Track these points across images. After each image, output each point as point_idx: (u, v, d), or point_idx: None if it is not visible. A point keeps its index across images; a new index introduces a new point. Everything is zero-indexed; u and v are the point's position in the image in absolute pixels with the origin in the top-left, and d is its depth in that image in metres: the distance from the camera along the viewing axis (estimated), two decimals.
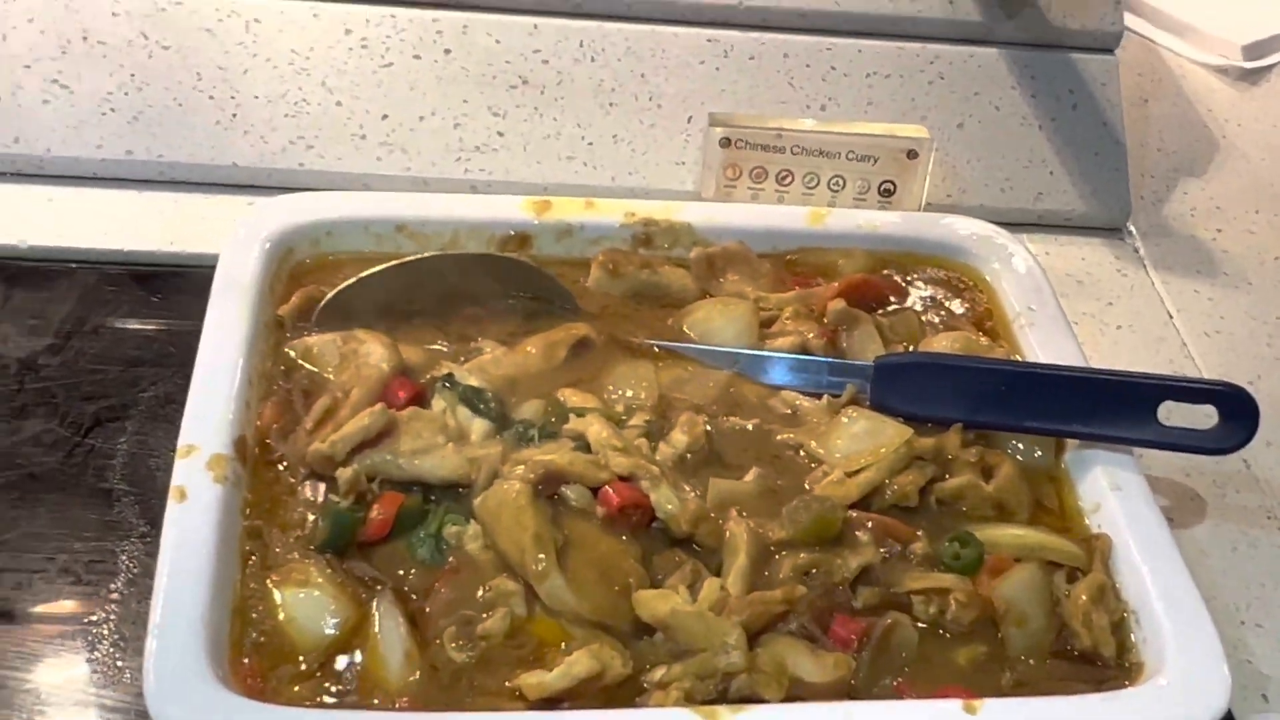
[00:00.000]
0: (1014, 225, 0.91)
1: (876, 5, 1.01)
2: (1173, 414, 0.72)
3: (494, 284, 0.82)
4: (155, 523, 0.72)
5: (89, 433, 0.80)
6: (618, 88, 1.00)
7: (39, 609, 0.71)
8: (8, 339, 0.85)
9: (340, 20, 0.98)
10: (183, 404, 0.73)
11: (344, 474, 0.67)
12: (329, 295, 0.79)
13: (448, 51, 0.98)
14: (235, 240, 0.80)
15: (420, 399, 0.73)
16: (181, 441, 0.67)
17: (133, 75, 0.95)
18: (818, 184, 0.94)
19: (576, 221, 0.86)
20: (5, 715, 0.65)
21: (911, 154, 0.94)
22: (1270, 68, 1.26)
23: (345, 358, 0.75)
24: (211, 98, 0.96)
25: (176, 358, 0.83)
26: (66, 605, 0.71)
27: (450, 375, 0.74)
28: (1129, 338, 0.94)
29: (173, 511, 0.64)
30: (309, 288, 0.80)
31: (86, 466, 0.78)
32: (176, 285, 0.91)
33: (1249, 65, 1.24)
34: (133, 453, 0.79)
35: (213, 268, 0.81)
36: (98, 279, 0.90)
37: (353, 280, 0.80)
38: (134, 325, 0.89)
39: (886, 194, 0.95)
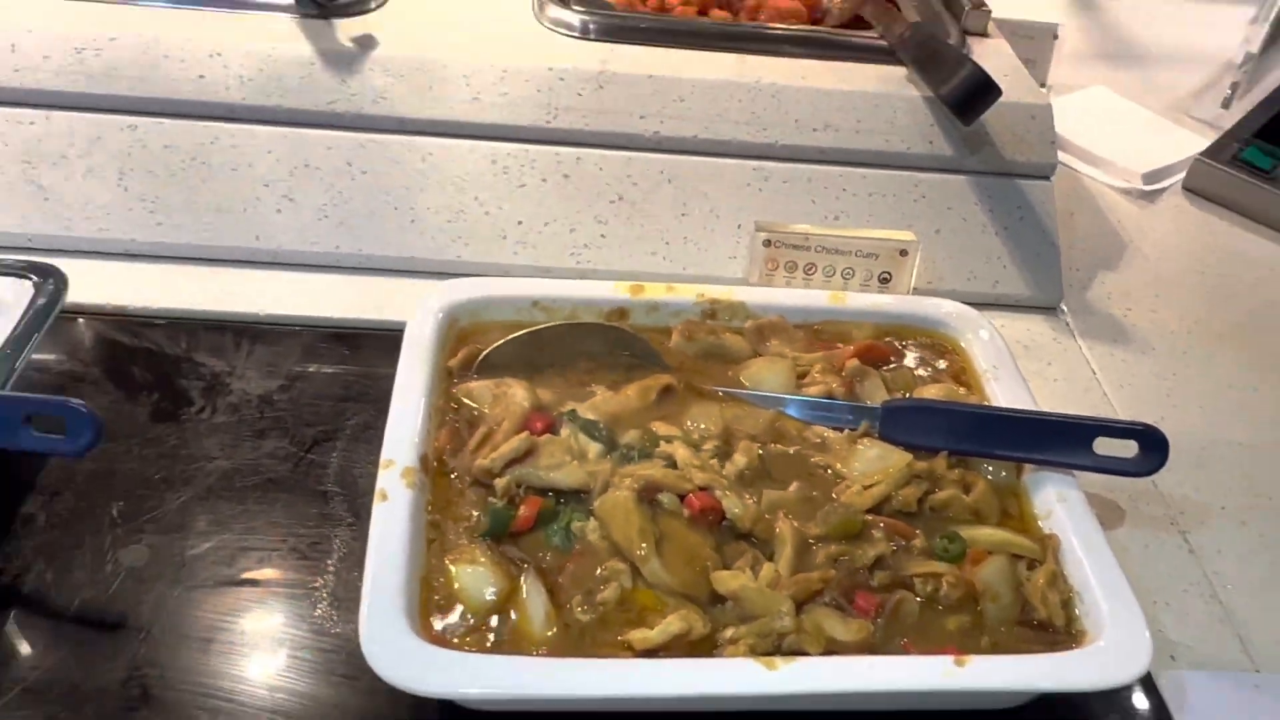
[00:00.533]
0: (979, 305, 0.92)
1: (876, 143, 1.02)
2: (1103, 446, 0.73)
3: (602, 345, 0.83)
4: (359, 516, 0.75)
5: (310, 449, 0.82)
6: (688, 202, 1.01)
7: (277, 576, 0.72)
8: (251, 380, 0.87)
9: (488, 154, 0.99)
10: (377, 430, 0.75)
11: (500, 483, 0.69)
12: (484, 352, 0.81)
13: (566, 176, 1.00)
14: (418, 312, 0.82)
15: (551, 428, 0.74)
16: (383, 457, 0.69)
17: (340, 192, 0.98)
18: (834, 274, 0.96)
19: (660, 300, 0.87)
20: (254, 653, 0.68)
21: (903, 252, 0.95)
22: (1162, 190, 1.27)
23: (497, 398, 0.77)
24: (396, 208, 0.98)
25: (371, 396, 0.85)
26: (296, 575, 0.72)
27: (574, 411, 0.76)
28: (1064, 389, 0.95)
29: (377, 508, 0.66)
30: (470, 347, 0.82)
31: (308, 474, 0.80)
32: (371, 344, 0.92)
33: (1147, 188, 1.26)
34: (341, 465, 0.81)
35: (396, 331, 0.83)
36: (314, 338, 0.92)
37: (501, 342, 0.81)
38: (340, 372, 0.90)
39: (884, 281, 0.96)
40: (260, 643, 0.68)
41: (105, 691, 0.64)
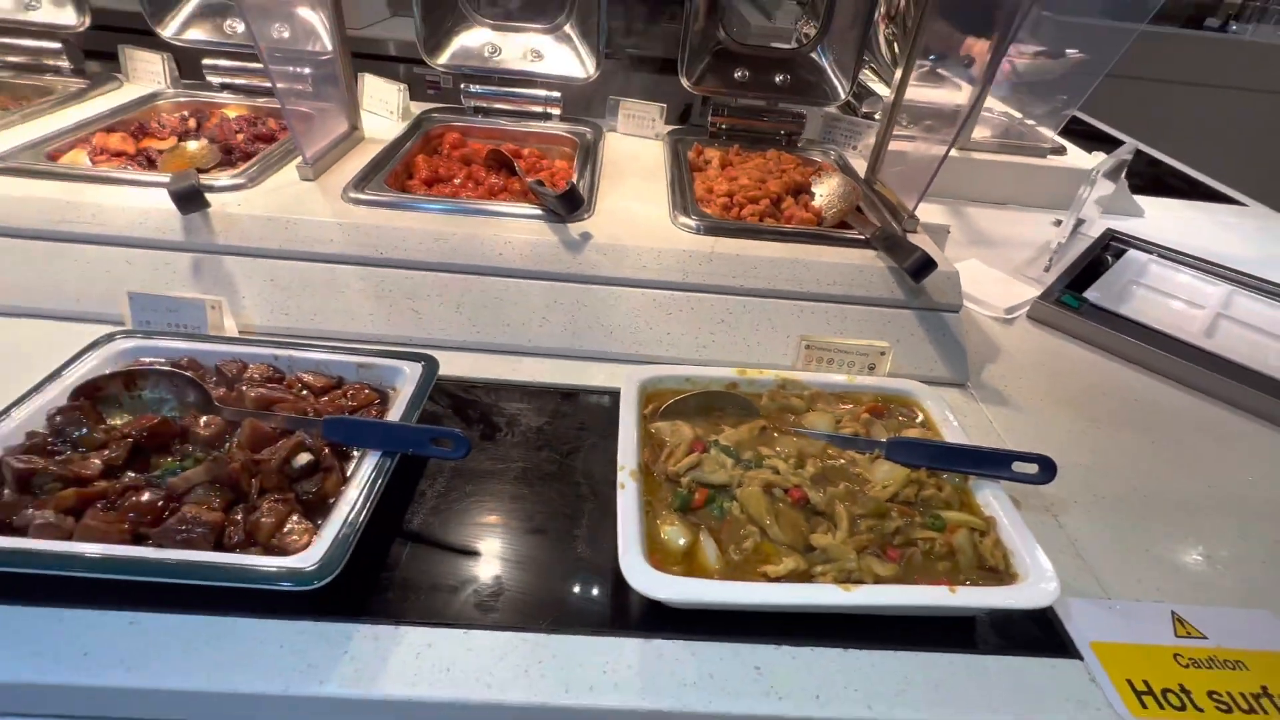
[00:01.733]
0: (929, 383, 0.90)
1: (860, 292, 1.03)
2: (1018, 467, 0.72)
3: (725, 404, 0.84)
4: (597, 496, 0.76)
5: (566, 457, 0.83)
6: (759, 324, 1.02)
7: (554, 531, 0.73)
8: (530, 418, 0.88)
9: (651, 298, 1.01)
10: (602, 448, 0.77)
11: (683, 480, 0.70)
12: (662, 407, 0.81)
13: (693, 309, 1.02)
14: (625, 384, 0.83)
15: (705, 450, 0.75)
16: (618, 463, 0.71)
17: (574, 317, 1.00)
18: (843, 364, 0.96)
19: (755, 379, 0.87)
20: (547, 570, 0.67)
21: (881, 353, 0.96)
22: (1014, 318, 1.25)
23: (673, 431, 0.77)
24: (603, 326, 1.00)
25: (597, 428, 0.87)
26: (565, 529, 0.73)
27: (716, 440, 0.76)
28: (978, 433, 0.93)
29: (620, 493, 0.67)
30: (654, 404, 0.82)
31: (567, 471, 0.80)
32: (592, 398, 0.93)
33: (1007, 317, 1.24)
34: (584, 466, 0.81)
35: (606, 392, 0.86)
36: (561, 394, 0.93)
37: (671, 401, 0.82)
38: (577, 413, 0.90)
39: (871, 369, 0.96)
40: (549, 565, 0.69)
41: (468, 588, 0.65)
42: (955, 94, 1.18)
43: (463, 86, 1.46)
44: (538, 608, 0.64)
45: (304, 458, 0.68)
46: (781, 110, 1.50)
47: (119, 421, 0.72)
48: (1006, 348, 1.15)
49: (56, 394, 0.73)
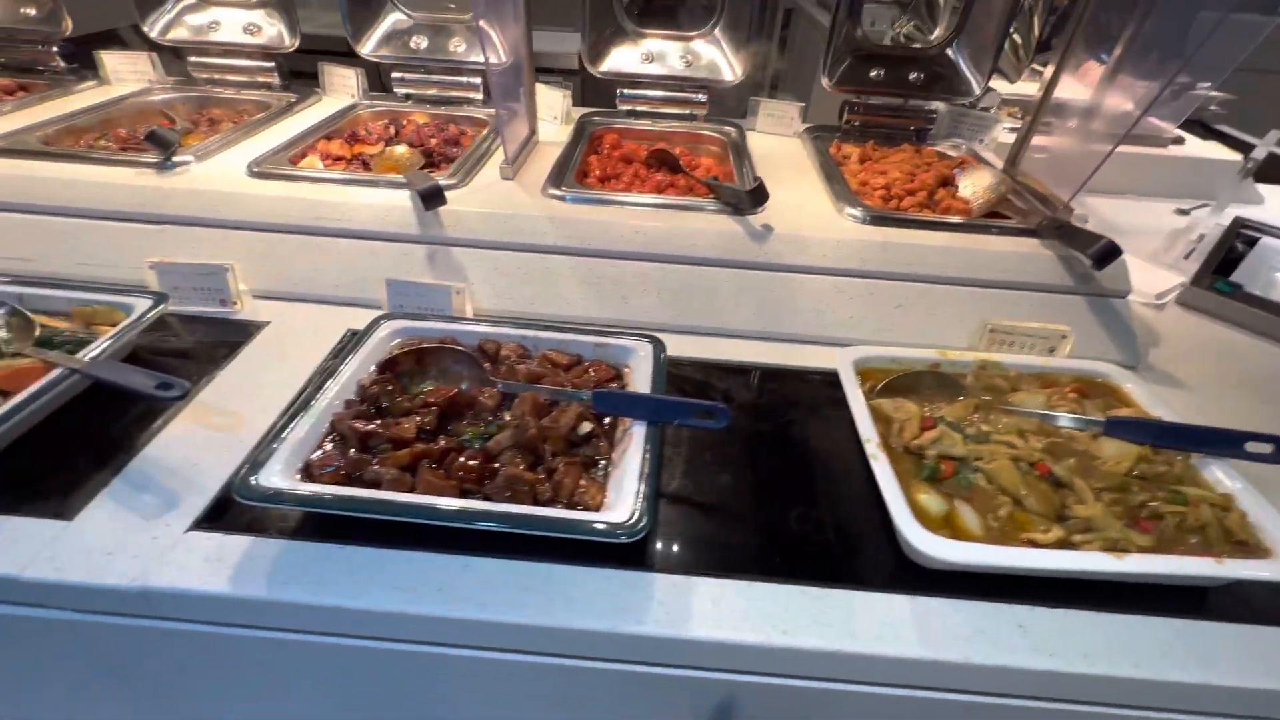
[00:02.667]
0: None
1: (1030, 278, 0.97)
2: (1249, 446, 0.67)
3: (933, 382, 0.81)
4: (827, 466, 0.75)
5: (786, 428, 0.81)
6: (937, 307, 0.98)
7: (798, 495, 0.72)
8: (741, 394, 0.88)
9: (832, 284, 0.99)
10: (818, 420, 0.75)
11: (930, 453, 0.69)
12: (879, 386, 0.80)
13: (871, 294, 0.98)
14: (842, 362, 0.81)
15: (933, 425, 0.73)
16: (863, 436, 0.70)
17: (761, 302, 0.99)
18: (1024, 347, 0.92)
19: (957, 360, 0.84)
20: (804, 535, 0.67)
21: (1063, 336, 0.91)
22: (1164, 304, 1.17)
23: (896, 408, 0.76)
24: (789, 310, 0.98)
25: (807, 404, 0.86)
26: (808, 493, 0.71)
27: (943, 417, 0.74)
28: (1169, 417, 0.87)
29: (875, 465, 0.66)
30: (868, 383, 0.80)
31: (792, 442, 0.79)
32: (793, 377, 0.92)
33: (1158, 303, 1.17)
34: (805, 437, 0.80)
35: (809, 371, 0.84)
36: (764, 373, 0.92)
37: (886, 380, 0.80)
38: (785, 390, 0.89)
39: (1050, 353, 0.92)
40: (804, 526, 0.68)
41: (737, 545, 0.64)
42: (1110, 89, 1.11)
43: (619, 91, 1.45)
44: (804, 565, 0.64)
45: (586, 426, 0.69)
46: (914, 107, 1.44)
47: (414, 391, 0.75)
48: (1164, 332, 1.09)
49: (358, 366, 0.76)
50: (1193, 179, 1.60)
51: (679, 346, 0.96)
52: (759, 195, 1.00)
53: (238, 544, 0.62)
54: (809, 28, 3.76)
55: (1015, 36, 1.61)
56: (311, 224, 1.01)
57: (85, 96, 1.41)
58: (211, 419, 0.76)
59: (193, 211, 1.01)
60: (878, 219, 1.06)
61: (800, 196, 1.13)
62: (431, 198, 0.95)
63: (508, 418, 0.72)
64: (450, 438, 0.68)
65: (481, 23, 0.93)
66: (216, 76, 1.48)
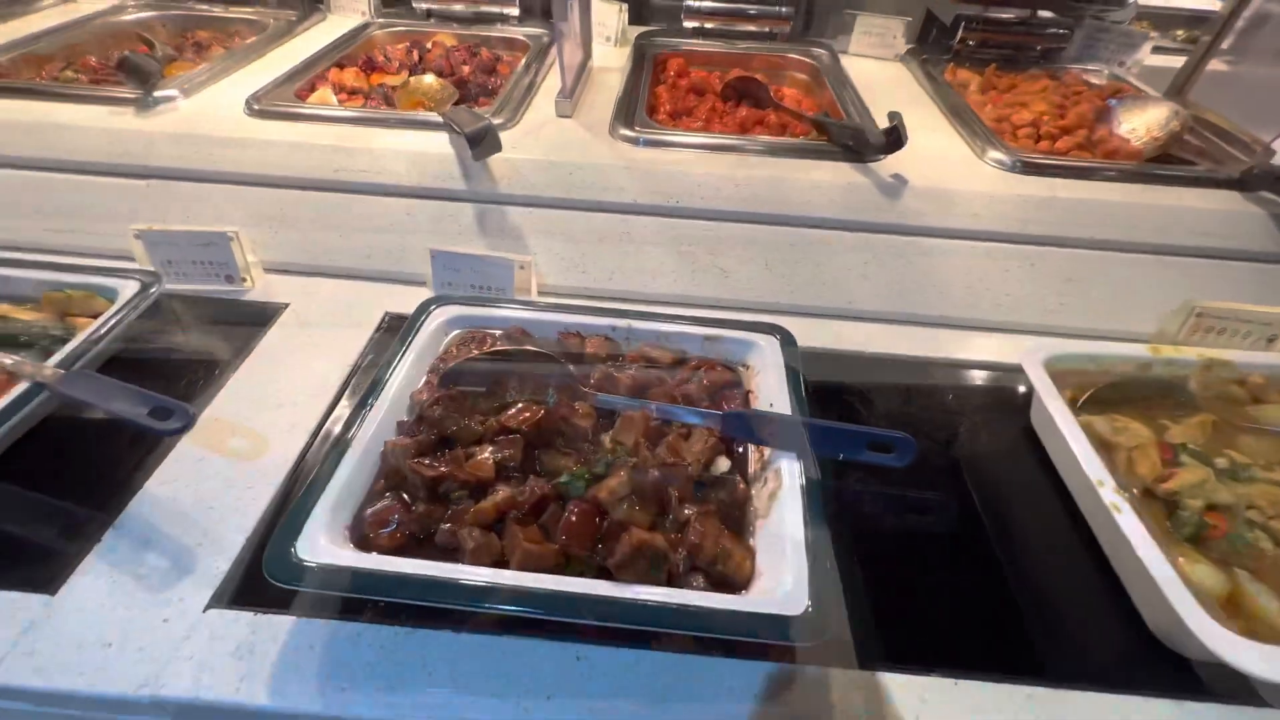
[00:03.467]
0: None
1: (1236, 244, 0.77)
2: None
3: (1152, 391, 0.63)
4: (1006, 503, 0.58)
5: (948, 446, 0.65)
6: (1118, 285, 0.78)
7: (980, 555, 0.56)
8: (883, 399, 0.70)
9: (985, 251, 0.78)
10: (984, 434, 0.58)
11: (1192, 504, 0.51)
12: (1083, 399, 0.62)
13: (1032, 265, 0.80)
14: (1030, 364, 0.62)
15: (1174, 456, 0.55)
16: (1091, 477, 0.52)
17: (898, 272, 0.80)
18: (1237, 334, 0.73)
19: (1173, 357, 0.65)
20: (1004, 610, 0.51)
21: None
22: None
23: (1117, 430, 0.58)
24: (933, 285, 0.80)
25: (969, 411, 0.69)
26: (991, 550, 0.56)
27: (1184, 444, 0.57)
28: None
29: (1121, 521, 0.49)
30: (1069, 391, 0.61)
31: (957, 467, 0.63)
32: (943, 374, 0.74)
33: None
34: (973, 460, 0.63)
35: (965, 365, 0.66)
36: (908, 367, 0.74)
37: (1095, 389, 0.62)
38: (938, 392, 0.72)
39: (1270, 342, 0.73)
40: (1003, 598, 0.53)
41: (926, 623, 0.50)
42: None
43: (685, 4, 1.19)
44: (1019, 655, 0.48)
45: (722, 463, 0.52)
46: (1042, 20, 1.18)
47: (486, 408, 0.57)
48: None
49: (409, 371, 0.59)
50: None
51: (793, 331, 0.77)
52: (894, 138, 0.78)
53: (275, 628, 0.47)
54: None
55: None
56: (331, 178, 0.81)
57: (45, 16, 1.17)
58: (227, 442, 0.59)
59: (183, 162, 0.81)
60: (1031, 166, 0.84)
61: (927, 137, 0.91)
62: (481, 141, 0.74)
63: (607, 442, 0.55)
64: (543, 478, 0.51)
65: None
66: None
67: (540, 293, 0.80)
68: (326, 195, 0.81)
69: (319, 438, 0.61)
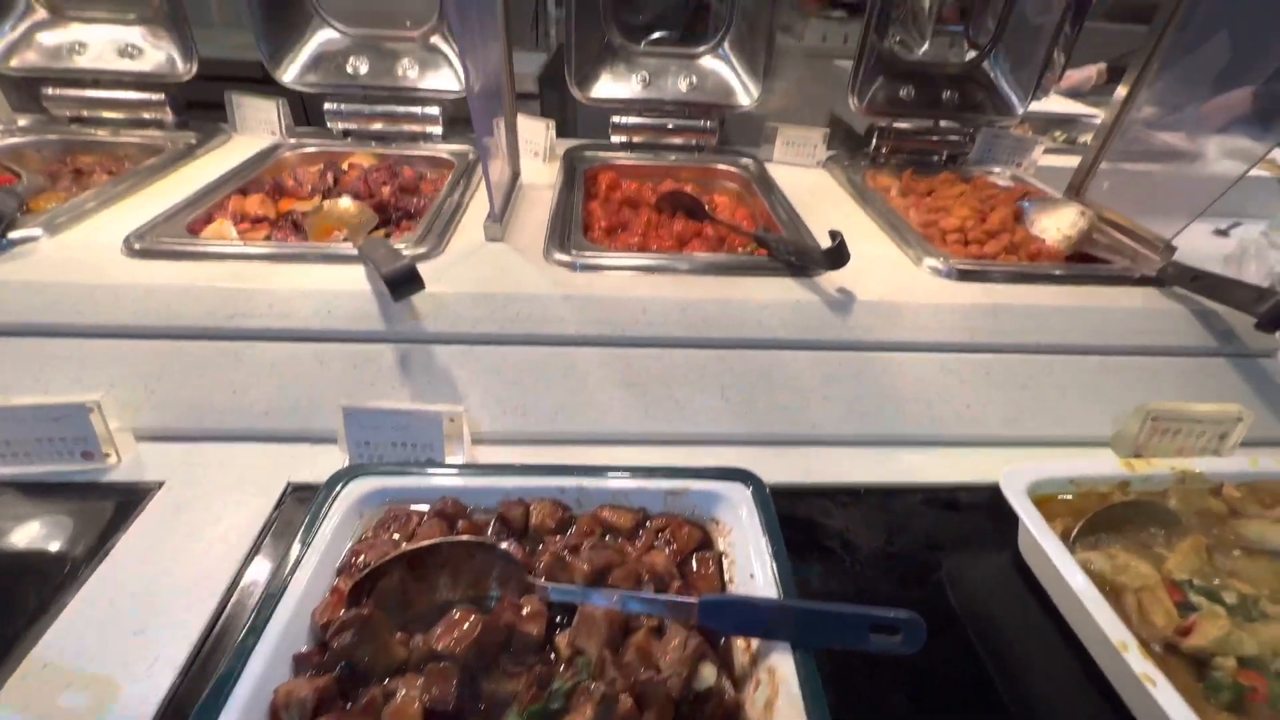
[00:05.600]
0: (1263, 446, 0.67)
1: (1170, 340, 0.79)
2: None
3: (1134, 512, 0.60)
4: (1008, 657, 0.52)
5: (934, 590, 0.59)
6: (1068, 389, 0.78)
7: None
8: (860, 535, 0.64)
9: (938, 361, 0.76)
10: (970, 568, 0.53)
11: (1225, 664, 0.46)
12: (1075, 531, 0.57)
13: (987, 374, 0.76)
14: (1012, 492, 0.59)
15: (1184, 598, 0.51)
16: (1109, 636, 0.47)
17: (855, 391, 0.76)
18: (1191, 435, 0.73)
19: (1148, 472, 0.64)
20: None
21: (1239, 419, 0.73)
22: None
23: (1117, 568, 0.54)
24: (891, 401, 0.76)
25: (952, 542, 0.63)
26: None
27: (1189, 581, 0.53)
28: None
29: (1157, 696, 0.43)
30: (1058, 520, 0.58)
31: (951, 613, 0.57)
32: (920, 500, 0.69)
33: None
34: (966, 603, 0.57)
35: (939, 489, 0.62)
36: (882, 496, 0.69)
37: (1086, 518, 0.58)
38: (918, 523, 0.66)
39: (1222, 439, 0.74)
40: None
41: None
42: (1212, 107, 0.95)
43: (611, 120, 1.20)
44: None
45: (707, 673, 0.43)
46: (946, 129, 1.26)
47: (411, 619, 0.46)
48: None
49: (311, 577, 0.47)
50: (1211, 173, 1.49)
51: (759, 467, 0.71)
52: (838, 255, 0.77)
53: None
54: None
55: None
56: (224, 325, 0.70)
57: None
58: (56, 699, 0.45)
59: (35, 315, 0.69)
60: (967, 273, 0.85)
61: (864, 246, 0.92)
62: (402, 283, 0.67)
63: (563, 647, 0.45)
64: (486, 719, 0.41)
65: (456, 39, 0.67)
66: (85, 114, 1.14)
67: (477, 442, 0.70)
68: (219, 345, 0.70)
69: (192, 673, 0.47)
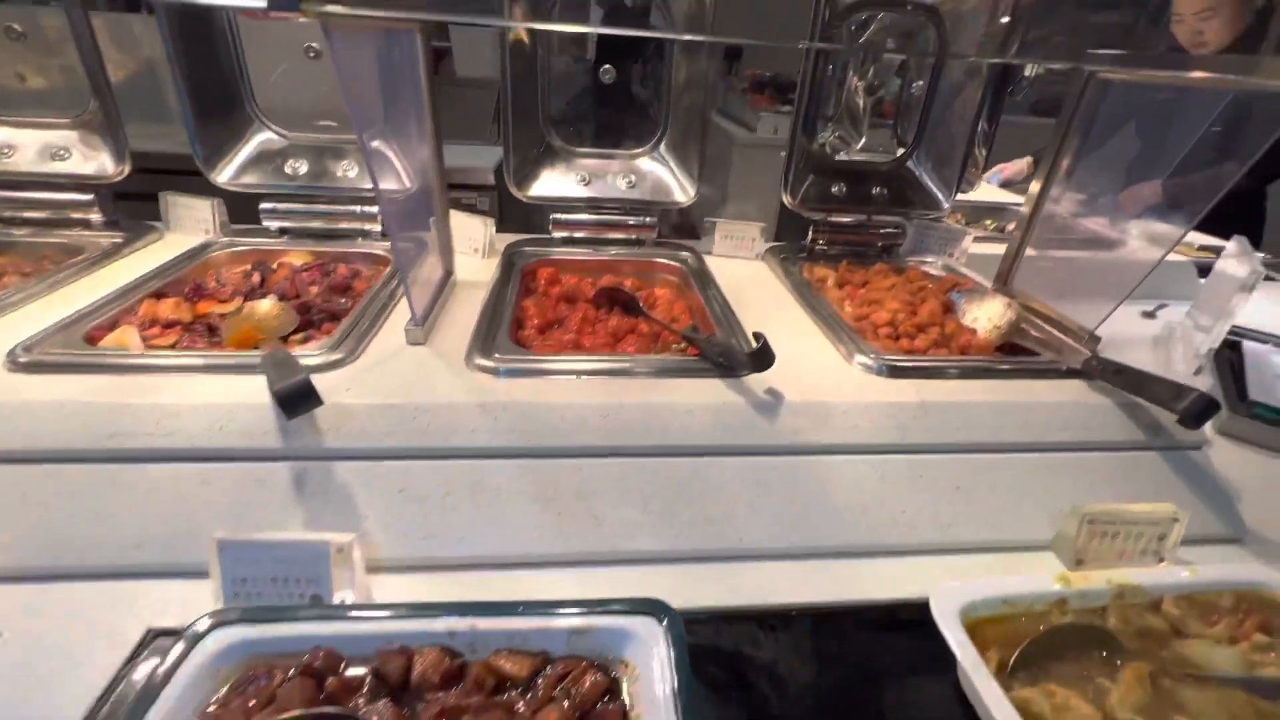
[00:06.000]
0: (1196, 544, 0.65)
1: (1096, 435, 0.78)
2: None
3: (1080, 639, 0.56)
4: None
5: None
6: (1000, 490, 0.75)
7: None
8: (791, 667, 0.59)
9: (864, 464, 0.74)
10: (913, 706, 0.47)
11: None
12: (1012, 661, 0.53)
13: (920, 476, 0.74)
14: (944, 620, 0.55)
15: None
16: None
17: (786, 499, 0.72)
18: (1130, 537, 0.70)
19: (1085, 588, 0.61)
20: None
21: (1175, 519, 0.71)
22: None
23: (1056, 709, 0.49)
24: (821, 509, 0.72)
25: (893, 671, 0.58)
26: None
27: None
28: None
29: None
30: (995, 650, 0.54)
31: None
32: (856, 623, 0.64)
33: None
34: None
35: (876, 608, 0.58)
36: (815, 620, 0.64)
37: (1022, 647, 0.54)
38: (855, 649, 0.61)
39: (1160, 540, 0.71)
40: None
41: None
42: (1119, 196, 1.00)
43: (553, 216, 1.22)
44: None
45: None
46: (879, 222, 1.31)
47: None
48: (1234, 479, 0.91)
49: None
50: (1131, 259, 1.56)
51: (683, 588, 0.66)
52: (763, 357, 0.75)
53: None
54: (719, 137, 3.86)
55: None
56: (103, 445, 0.65)
57: None
58: None
59: None
60: (897, 369, 0.85)
61: (796, 343, 0.91)
62: (296, 400, 0.63)
63: None
64: None
65: (375, 143, 0.67)
66: (8, 214, 1.11)
67: (375, 570, 0.64)
68: (95, 468, 0.65)
69: None
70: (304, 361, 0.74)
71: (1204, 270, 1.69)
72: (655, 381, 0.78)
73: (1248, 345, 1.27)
